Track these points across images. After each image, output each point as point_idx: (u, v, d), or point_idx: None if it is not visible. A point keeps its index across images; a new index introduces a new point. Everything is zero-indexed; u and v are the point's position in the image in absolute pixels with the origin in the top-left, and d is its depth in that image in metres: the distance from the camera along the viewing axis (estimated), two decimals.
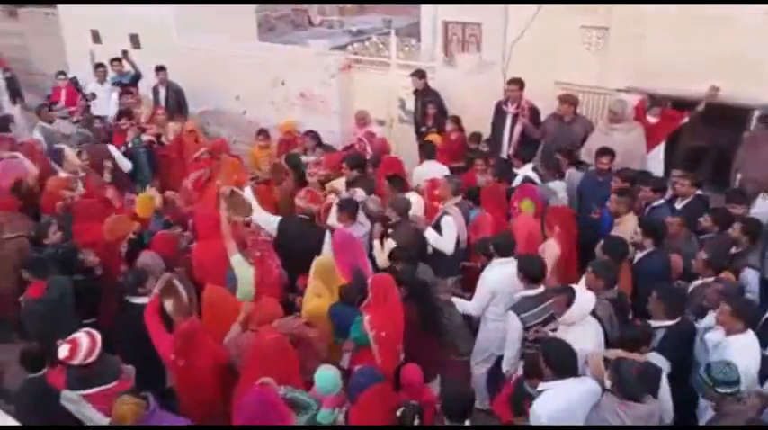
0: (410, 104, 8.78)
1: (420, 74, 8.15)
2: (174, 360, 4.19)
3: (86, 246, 5.31)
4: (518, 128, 7.35)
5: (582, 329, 4.06)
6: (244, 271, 4.92)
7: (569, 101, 7.01)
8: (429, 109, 8.06)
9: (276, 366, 3.91)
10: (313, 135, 7.71)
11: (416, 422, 3.62)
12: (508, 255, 4.75)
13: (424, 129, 8.20)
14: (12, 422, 2.61)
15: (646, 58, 6.78)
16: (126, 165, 7.54)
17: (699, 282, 4.62)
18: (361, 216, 5.62)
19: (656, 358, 3.97)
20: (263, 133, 7.88)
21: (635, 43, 6.82)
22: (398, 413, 3.68)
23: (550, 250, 5.16)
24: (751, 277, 4.70)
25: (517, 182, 6.46)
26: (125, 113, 8.11)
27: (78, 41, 11.83)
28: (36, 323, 4.77)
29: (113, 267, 5.40)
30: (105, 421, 3.92)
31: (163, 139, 8.00)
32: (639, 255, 4.97)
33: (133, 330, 4.38)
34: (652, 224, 5.00)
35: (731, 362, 3.54)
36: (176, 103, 9.31)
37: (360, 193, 5.99)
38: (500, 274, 4.70)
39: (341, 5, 18.43)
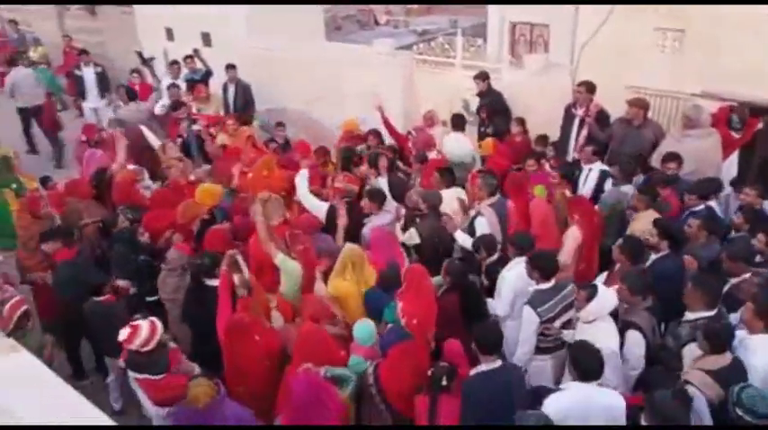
0: (474, 105, 8.71)
1: (482, 76, 8.06)
2: (229, 343, 4.32)
3: (160, 231, 5.63)
4: (584, 131, 7.19)
5: (604, 325, 4.04)
6: (290, 268, 5.00)
7: (639, 104, 6.78)
8: (481, 112, 8.00)
9: (318, 354, 4.05)
10: (375, 133, 7.79)
11: (444, 382, 3.66)
12: (526, 253, 4.69)
13: (482, 129, 8.13)
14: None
15: (722, 61, 6.50)
16: (155, 143, 7.93)
17: (736, 280, 4.46)
18: (387, 204, 5.87)
19: (728, 357, 3.77)
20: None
21: (711, 46, 6.56)
22: (429, 372, 3.77)
23: (572, 236, 5.40)
24: None
25: (593, 176, 6.38)
26: (178, 104, 8.65)
27: (153, 39, 12.27)
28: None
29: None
30: (150, 406, 4.17)
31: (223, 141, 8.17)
32: (654, 257, 4.87)
33: (208, 311, 4.54)
34: (667, 226, 4.92)
35: (767, 395, 3.38)
36: (244, 101, 9.54)
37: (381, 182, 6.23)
38: (519, 273, 4.65)
39: (407, 6, 18.44)
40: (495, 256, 5.07)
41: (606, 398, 3.56)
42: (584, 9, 7.64)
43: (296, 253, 5.13)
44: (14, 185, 6.91)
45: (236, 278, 4.57)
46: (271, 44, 10.61)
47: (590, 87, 7.03)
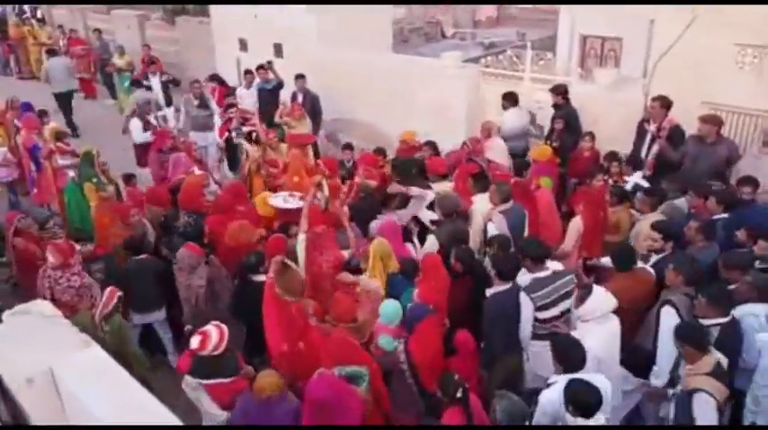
0: (541, 118, 8.63)
1: (559, 89, 7.95)
2: (288, 349, 4.41)
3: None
4: (655, 148, 7.02)
5: (598, 328, 4.11)
6: (300, 250, 5.33)
7: (712, 121, 6.55)
8: (555, 124, 7.89)
9: (347, 361, 4.15)
10: (431, 145, 7.80)
11: (459, 394, 3.70)
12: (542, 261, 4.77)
13: (548, 143, 8.03)
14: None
15: None
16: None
17: (732, 286, 4.48)
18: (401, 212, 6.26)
19: (717, 355, 3.83)
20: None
21: None
22: (439, 382, 3.85)
23: (574, 225, 5.75)
24: None
25: (627, 188, 6.43)
26: (231, 105, 9.14)
27: (227, 49, 12.74)
28: None
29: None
30: (217, 410, 4.22)
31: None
32: (656, 258, 4.98)
33: (254, 303, 4.73)
34: (666, 226, 5.07)
35: None
36: (312, 111, 9.75)
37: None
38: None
39: (475, 18, 18.46)
40: (508, 285, 4.90)
41: (593, 381, 3.61)
42: (660, 22, 7.49)
43: (312, 243, 5.39)
44: (95, 180, 7.28)
45: (280, 284, 4.55)
46: (340, 55, 10.83)
47: (665, 103, 6.85)
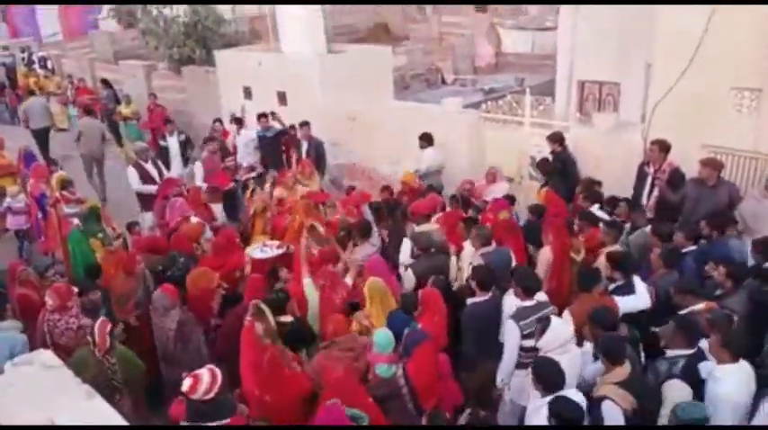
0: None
1: (556, 137, 8.05)
2: (258, 395, 4.40)
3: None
4: (655, 191, 7.07)
5: (559, 359, 4.06)
6: (311, 293, 5.55)
7: (712, 165, 6.60)
8: (550, 164, 8.02)
9: (347, 397, 4.16)
10: (432, 188, 8.14)
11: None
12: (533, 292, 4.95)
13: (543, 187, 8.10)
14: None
15: None
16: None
17: (685, 311, 4.67)
18: (374, 238, 6.64)
19: (679, 386, 3.98)
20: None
21: None
22: (429, 414, 4.18)
23: (543, 257, 5.92)
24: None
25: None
26: (230, 153, 9.39)
27: (232, 97, 12.97)
28: None
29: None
30: None
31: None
32: (611, 286, 5.21)
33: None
34: (617, 256, 5.34)
35: (699, 403, 3.74)
36: (316, 157, 9.87)
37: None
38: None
39: (474, 65, 18.81)
40: (488, 295, 5.15)
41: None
42: (657, 66, 7.62)
43: (318, 286, 5.60)
44: (101, 235, 7.33)
45: (259, 326, 4.63)
46: (342, 102, 11.02)
47: (663, 146, 6.93)
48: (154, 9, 15.60)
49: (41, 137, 13.38)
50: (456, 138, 9.54)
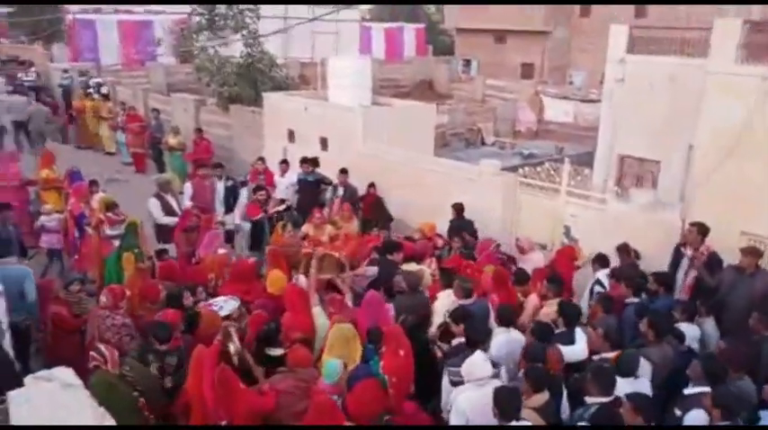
0: (575, 232, 8.66)
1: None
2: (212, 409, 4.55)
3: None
4: (692, 273, 6.94)
5: (475, 391, 4.54)
6: (321, 321, 5.82)
7: (753, 253, 6.49)
8: None
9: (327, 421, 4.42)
10: (441, 237, 8.47)
11: None
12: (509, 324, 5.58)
13: None
14: None
15: None
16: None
17: (597, 357, 5.24)
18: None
19: (547, 396, 4.49)
20: None
21: None
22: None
23: (531, 303, 6.39)
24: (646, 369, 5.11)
25: (589, 283, 7.07)
26: (260, 188, 9.45)
27: (276, 138, 13.28)
28: None
29: None
30: None
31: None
32: (558, 331, 5.58)
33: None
34: (564, 308, 5.73)
35: None
36: (351, 202, 9.99)
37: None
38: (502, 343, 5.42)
39: (515, 129, 18.99)
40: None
41: None
42: (700, 149, 7.59)
43: (328, 314, 5.91)
44: (136, 251, 7.47)
45: (231, 347, 5.12)
46: (382, 153, 11.18)
47: (702, 229, 6.84)
48: (210, 47, 16.23)
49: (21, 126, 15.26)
50: (491, 200, 9.55)
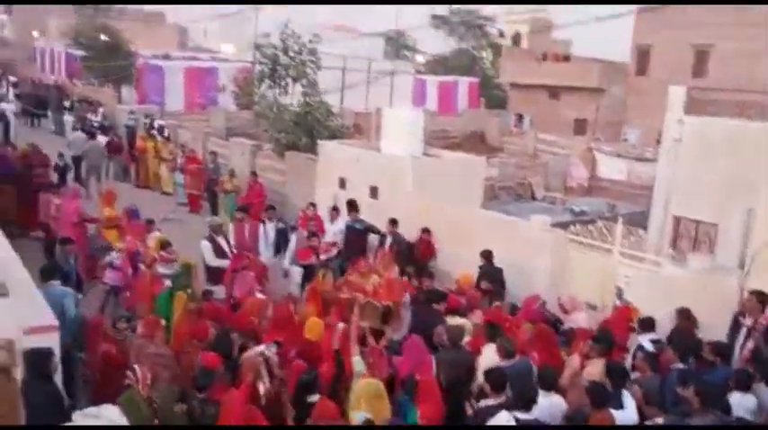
0: (628, 294, 8.41)
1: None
2: None
3: None
4: (750, 344, 6.64)
5: None
6: (360, 369, 5.82)
7: None
8: None
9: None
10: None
11: None
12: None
13: None
14: None
15: None
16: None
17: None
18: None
19: None
20: None
21: None
22: None
23: (572, 364, 6.23)
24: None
25: (632, 349, 6.88)
26: (314, 234, 9.76)
27: (327, 185, 13.50)
28: None
29: None
30: None
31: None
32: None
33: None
34: (614, 368, 5.77)
35: None
36: (399, 253, 10.00)
37: None
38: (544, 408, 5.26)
39: (566, 185, 18.82)
40: (501, 399, 5.28)
41: None
42: (760, 213, 7.36)
43: (366, 363, 5.93)
44: (189, 291, 7.62)
45: (261, 387, 5.32)
46: (431, 204, 11.21)
47: (762, 298, 6.58)
48: (269, 95, 16.83)
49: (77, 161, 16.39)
50: (539, 256, 9.42)
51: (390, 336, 6.78)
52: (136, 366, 5.15)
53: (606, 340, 6.38)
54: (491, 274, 8.98)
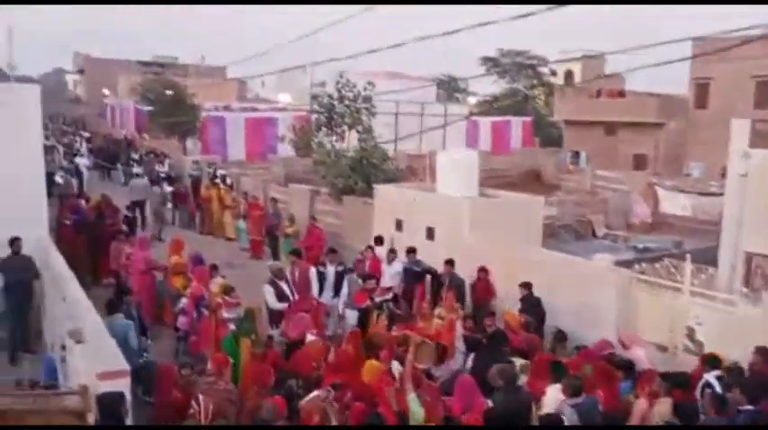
0: (700, 335, 8.07)
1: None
2: None
3: None
4: None
5: None
6: (416, 409, 5.80)
7: None
8: None
9: None
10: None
11: None
12: None
13: None
14: None
15: None
16: None
17: None
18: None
19: None
20: None
21: None
22: None
23: (639, 408, 6.14)
24: None
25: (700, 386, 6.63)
26: (371, 276, 9.89)
27: (384, 227, 13.63)
28: None
29: None
30: None
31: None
32: None
33: None
34: (681, 408, 5.84)
35: None
36: (456, 294, 9.94)
37: None
38: None
39: (628, 222, 18.37)
40: None
41: None
42: None
43: (423, 401, 5.92)
44: (253, 337, 7.78)
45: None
46: (489, 245, 11.14)
47: None
48: (326, 142, 17.25)
49: (139, 205, 17.31)
50: (604, 297, 9.17)
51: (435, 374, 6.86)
52: (200, 396, 5.30)
53: (684, 383, 6.26)
54: (531, 304, 9.16)
